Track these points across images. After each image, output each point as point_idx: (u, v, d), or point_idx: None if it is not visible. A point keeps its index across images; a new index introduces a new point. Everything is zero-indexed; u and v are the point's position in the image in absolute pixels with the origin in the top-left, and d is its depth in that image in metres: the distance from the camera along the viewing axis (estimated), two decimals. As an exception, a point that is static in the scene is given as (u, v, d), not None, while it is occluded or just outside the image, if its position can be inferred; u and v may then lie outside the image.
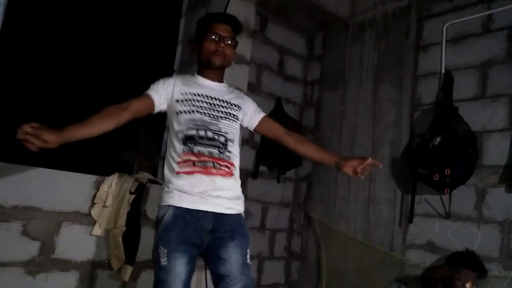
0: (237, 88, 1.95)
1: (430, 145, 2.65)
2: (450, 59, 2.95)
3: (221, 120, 1.68)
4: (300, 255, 3.59)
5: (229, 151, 1.67)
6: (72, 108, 5.88)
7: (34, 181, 2.04)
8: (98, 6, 4.59)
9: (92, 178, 2.24)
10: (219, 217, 1.60)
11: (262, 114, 1.88)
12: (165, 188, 1.65)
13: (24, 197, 2.01)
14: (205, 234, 1.59)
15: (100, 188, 2.23)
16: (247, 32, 2.95)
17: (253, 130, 1.88)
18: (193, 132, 1.63)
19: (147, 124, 6.06)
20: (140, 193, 2.36)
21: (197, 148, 1.61)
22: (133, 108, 1.62)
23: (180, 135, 1.64)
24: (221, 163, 1.63)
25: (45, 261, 2.04)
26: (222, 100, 1.73)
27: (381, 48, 3.33)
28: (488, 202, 2.61)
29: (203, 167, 1.60)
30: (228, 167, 1.65)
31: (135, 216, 2.32)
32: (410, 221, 2.88)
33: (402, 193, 2.99)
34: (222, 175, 1.63)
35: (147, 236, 2.35)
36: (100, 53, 5.41)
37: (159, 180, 2.63)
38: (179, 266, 1.53)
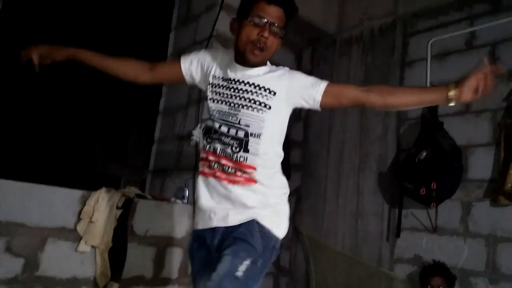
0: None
1: (416, 160, 2.68)
2: (435, 75, 3.00)
3: (241, 110, 1.36)
4: (289, 270, 3.57)
5: (248, 150, 1.34)
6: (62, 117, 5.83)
7: (18, 196, 2.01)
8: (89, 16, 4.60)
9: (79, 193, 2.22)
10: (228, 231, 1.34)
11: (323, 84, 1.40)
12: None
13: (8, 213, 1.97)
14: (214, 253, 1.37)
15: (86, 203, 2.20)
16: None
17: (320, 107, 1.42)
18: (210, 124, 1.41)
19: (135, 137, 6.03)
20: (128, 208, 2.34)
21: (212, 145, 1.38)
22: (158, 69, 1.54)
23: (203, 126, 1.46)
24: (234, 166, 1.35)
25: (29, 279, 2.00)
26: (249, 84, 1.38)
27: (368, 63, 3.38)
28: (474, 216, 2.64)
29: (214, 169, 1.38)
30: (244, 172, 1.35)
31: (122, 232, 2.30)
32: (398, 235, 2.89)
33: (390, 207, 3.01)
34: (235, 182, 1.35)
35: (133, 252, 2.32)
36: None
37: (147, 195, 2.62)
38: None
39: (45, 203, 2.09)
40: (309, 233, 3.40)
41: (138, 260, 2.37)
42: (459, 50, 2.92)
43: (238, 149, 1.34)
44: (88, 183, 2.50)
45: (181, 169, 2.92)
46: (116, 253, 2.24)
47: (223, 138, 1.36)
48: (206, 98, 1.45)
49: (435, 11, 3.07)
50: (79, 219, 2.18)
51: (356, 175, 3.20)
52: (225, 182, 1.36)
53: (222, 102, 1.39)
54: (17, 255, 1.98)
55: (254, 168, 1.35)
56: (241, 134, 1.34)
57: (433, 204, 2.62)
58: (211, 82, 1.44)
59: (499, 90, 2.68)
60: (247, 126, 1.35)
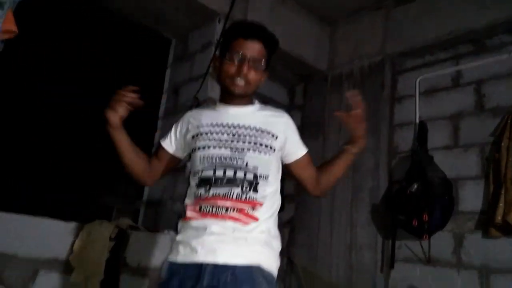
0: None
1: (408, 192, 2.73)
2: (423, 110, 3.11)
3: (247, 153, 1.32)
4: (283, 304, 3.51)
5: (257, 191, 1.31)
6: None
7: (10, 227, 2.00)
8: (89, 50, 4.71)
9: (72, 225, 2.21)
10: (220, 271, 1.21)
11: (303, 150, 1.52)
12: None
13: (0, 244, 1.95)
14: None
15: (79, 235, 2.19)
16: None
17: (285, 164, 1.51)
18: (209, 173, 1.32)
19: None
20: (121, 240, 2.33)
21: (212, 191, 1.30)
22: (153, 167, 1.49)
23: (196, 178, 1.34)
24: (241, 205, 1.29)
25: (19, 312, 1.96)
26: (250, 127, 1.36)
27: (359, 99, 3.48)
28: (466, 248, 2.66)
29: (214, 211, 1.29)
30: (252, 208, 1.29)
31: (114, 264, 2.27)
32: (392, 266, 2.89)
33: (383, 238, 3.02)
34: (237, 219, 1.27)
35: (126, 284, 2.29)
36: (87, 100, 5.46)
37: (140, 227, 2.61)
38: None
39: (38, 234, 2.08)
40: (303, 264, 3.37)
41: (130, 293, 2.33)
42: (446, 87, 3.05)
43: (248, 189, 1.30)
44: (80, 213, 2.50)
45: (175, 199, 2.93)
46: (108, 285, 2.21)
47: (229, 183, 1.30)
48: (196, 149, 1.37)
49: (421, 51, 3.22)
50: (71, 250, 2.16)
51: (349, 207, 3.22)
52: (227, 220, 1.27)
53: (222, 147, 1.33)
54: (8, 287, 1.94)
55: (260, 204, 1.31)
56: (250, 176, 1.31)
57: (426, 236, 2.64)
58: (203, 131, 1.38)
59: (486, 126, 2.77)
60: (256, 168, 1.32)
